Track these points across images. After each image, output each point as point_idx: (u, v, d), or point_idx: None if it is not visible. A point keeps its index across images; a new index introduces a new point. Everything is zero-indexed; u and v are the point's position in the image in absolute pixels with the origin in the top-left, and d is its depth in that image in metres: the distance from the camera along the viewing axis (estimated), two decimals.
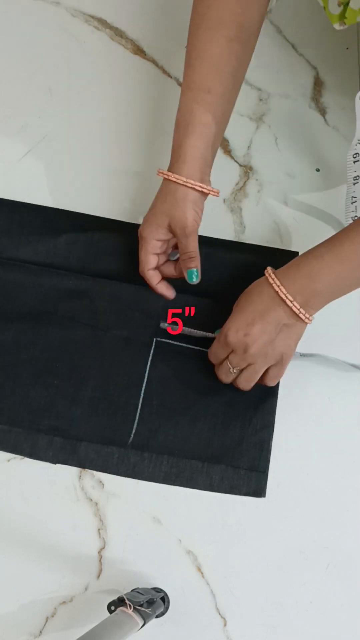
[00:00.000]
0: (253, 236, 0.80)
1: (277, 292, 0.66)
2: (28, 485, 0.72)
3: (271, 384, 0.72)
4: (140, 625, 0.59)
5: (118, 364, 0.75)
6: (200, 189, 0.69)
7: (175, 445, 0.72)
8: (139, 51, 0.89)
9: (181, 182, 0.68)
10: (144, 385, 0.74)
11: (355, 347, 0.77)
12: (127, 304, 0.76)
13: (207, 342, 0.74)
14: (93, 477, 0.72)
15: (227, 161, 0.85)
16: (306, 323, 0.67)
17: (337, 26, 0.73)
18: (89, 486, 0.72)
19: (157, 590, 0.68)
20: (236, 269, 0.78)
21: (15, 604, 0.69)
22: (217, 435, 0.73)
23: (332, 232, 0.81)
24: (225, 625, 0.69)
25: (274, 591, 0.70)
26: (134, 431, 0.73)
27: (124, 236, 0.78)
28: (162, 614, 0.67)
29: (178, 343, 0.75)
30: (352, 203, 0.78)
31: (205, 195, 0.71)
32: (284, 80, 0.88)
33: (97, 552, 0.70)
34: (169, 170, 0.70)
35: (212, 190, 0.70)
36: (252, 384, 0.71)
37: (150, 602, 0.63)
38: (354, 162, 0.77)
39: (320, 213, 0.82)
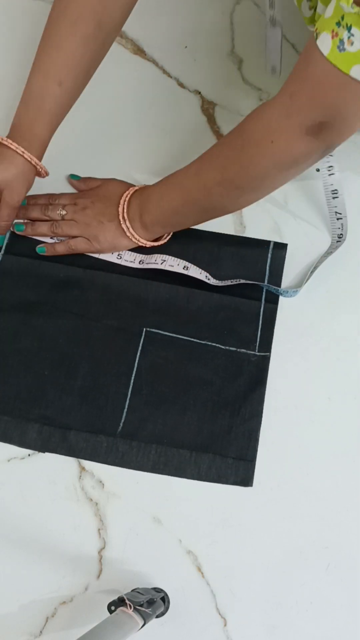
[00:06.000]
0: (253, 236, 0.80)
1: (124, 197, 0.76)
2: (28, 485, 0.72)
3: (72, 246, 0.77)
4: (141, 625, 0.59)
5: (108, 353, 0.75)
6: (35, 164, 0.72)
7: (164, 434, 0.73)
8: (139, 51, 0.89)
9: (19, 151, 0.71)
10: (133, 374, 0.75)
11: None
12: (117, 294, 0.77)
13: (198, 333, 0.76)
14: (93, 477, 0.72)
15: None
16: (129, 237, 0.76)
17: (310, 28, 0.74)
18: (89, 486, 0.72)
19: (157, 590, 0.68)
20: (228, 262, 0.79)
21: (15, 604, 0.69)
22: (206, 425, 0.73)
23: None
24: (225, 625, 0.69)
25: (274, 591, 0.70)
26: (123, 420, 0.73)
27: None
28: (162, 614, 0.67)
29: (168, 333, 0.76)
30: (337, 219, 0.79)
31: (35, 173, 0.74)
32: (284, 80, 0.88)
33: (97, 552, 0.70)
34: (9, 138, 0.72)
35: (44, 169, 0.74)
36: (60, 233, 0.78)
37: (151, 602, 0.63)
38: (329, 175, 0.77)
39: (320, 213, 0.81)
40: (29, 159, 0.71)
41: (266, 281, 0.78)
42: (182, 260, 0.77)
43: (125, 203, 0.76)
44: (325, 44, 0.54)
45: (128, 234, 0.76)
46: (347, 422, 0.74)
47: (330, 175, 0.77)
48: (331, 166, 0.77)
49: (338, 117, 0.60)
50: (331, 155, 0.76)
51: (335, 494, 0.72)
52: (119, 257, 0.78)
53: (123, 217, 0.75)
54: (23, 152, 0.71)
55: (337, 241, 0.79)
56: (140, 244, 0.77)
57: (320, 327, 0.77)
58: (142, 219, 0.75)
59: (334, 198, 0.78)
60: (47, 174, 0.75)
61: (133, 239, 0.76)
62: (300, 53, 0.59)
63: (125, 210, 0.75)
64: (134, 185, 0.78)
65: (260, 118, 0.64)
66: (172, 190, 0.73)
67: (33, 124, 0.71)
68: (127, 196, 0.76)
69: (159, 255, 0.78)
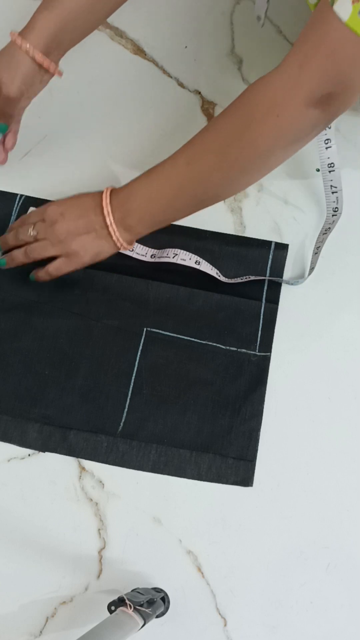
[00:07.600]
0: (253, 236, 0.80)
1: (102, 199, 0.69)
2: (28, 486, 0.72)
3: (52, 272, 0.72)
4: (141, 625, 0.59)
5: (109, 353, 0.75)
6: (40, 60, 0.67)
7: (165, 434, 0.73)
8: (139, 51, 0.89)
9: (23, 47, 0.66)
10: (134, 374, 0.75)
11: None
12: (117, 294, 0.77)
13: (198, 333, 0.75)
14: (93, 477, 0.72)
15: None
16: (114, 242, 0.70)
17: None
18: (89, 486, 0.72)
19: (157, 590, 0.68)
20: (229, 262, 0.79)
21: (15, 604, 0.69)
22: (206, 424, 0.73)
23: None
24: (225, 625, 0.69)
25: (274, 591, 0.70)
26: (123, 420, 0.73)
27: None
28: (162, 614, 0.67)
29: (168, 333, 0.76)
30: (332, 193, 0.78)
31: (44, 72, 0.69)
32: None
33: (97, 552, 0.70)
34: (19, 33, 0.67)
35: (52, 67, 0.68)
36: (35, 257, 0.71)
37: (151, 602, 0.63)
38: (326, 148, 0.77)
39: (320, 213, 0.81)
40: (38, 58, 0.65)
41: (266, 282, 0.78)
42: (194, 255, 0.77)
43: (109, 207, 0.68)
44: (344, 9, 0.51)
45: (114, 238, 0.70)
46: (347, 422, 0.74)
47: (327, 148, 0.77)
48: (328, 139, 0.76)
49: (348, 86, 0.57)
50: (329, 128, 0.76)
51: (335, 494, 0.72)
52: (131, 250, 0.77)
53: (109, 222, 0.69)
54: (27, 49, 0.65)
55: (333, 215, 0.79)
56: (123, 249, 0.72)
57: (320, 327, 0.77)
58: (124, 222, 0.69)
59: (330, 171, 0.77)
60: (60, 74, 0.69)
61: (117, 244, 0.71)
62: (309, 20, 0.56)
63: (110, 214, 0.68)
64: (101, 190, 0.71)
65: (265, 91, 0.60)
66: (160, 186, 0.67)
67: (46, 15, 0.66)
68: (107, 200, 0.69)
69: (170, 249, 0.77)
